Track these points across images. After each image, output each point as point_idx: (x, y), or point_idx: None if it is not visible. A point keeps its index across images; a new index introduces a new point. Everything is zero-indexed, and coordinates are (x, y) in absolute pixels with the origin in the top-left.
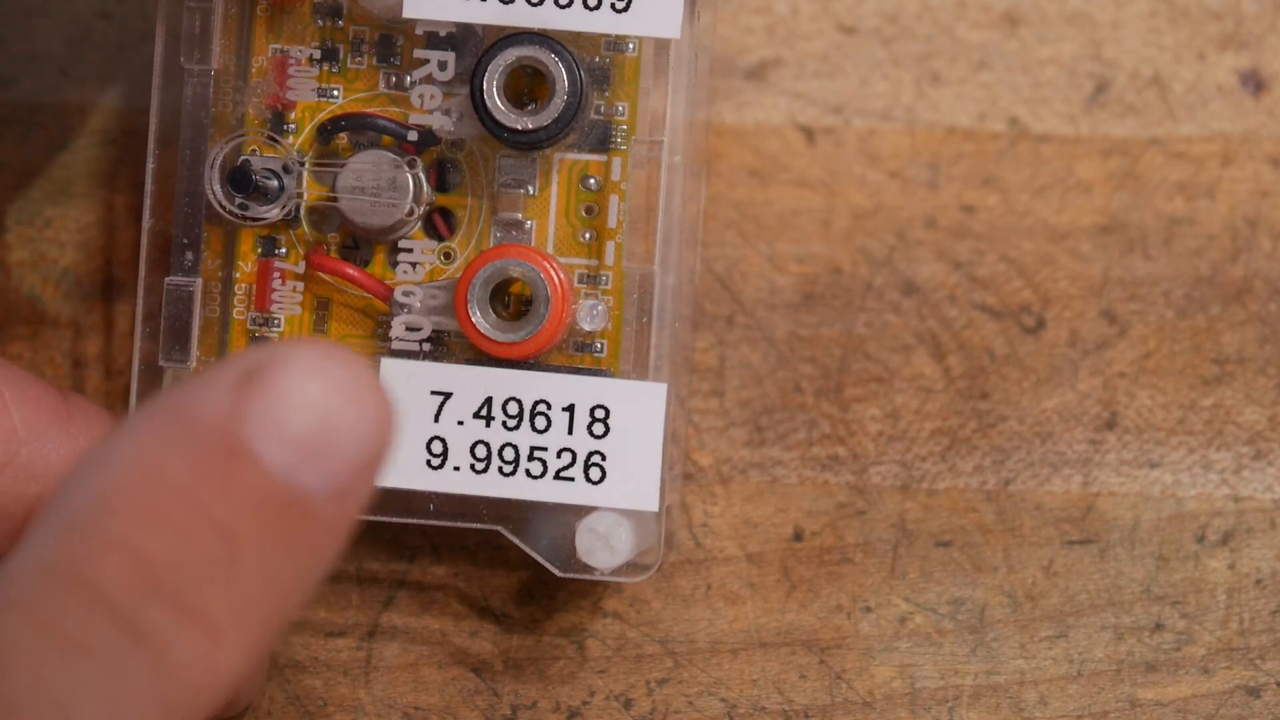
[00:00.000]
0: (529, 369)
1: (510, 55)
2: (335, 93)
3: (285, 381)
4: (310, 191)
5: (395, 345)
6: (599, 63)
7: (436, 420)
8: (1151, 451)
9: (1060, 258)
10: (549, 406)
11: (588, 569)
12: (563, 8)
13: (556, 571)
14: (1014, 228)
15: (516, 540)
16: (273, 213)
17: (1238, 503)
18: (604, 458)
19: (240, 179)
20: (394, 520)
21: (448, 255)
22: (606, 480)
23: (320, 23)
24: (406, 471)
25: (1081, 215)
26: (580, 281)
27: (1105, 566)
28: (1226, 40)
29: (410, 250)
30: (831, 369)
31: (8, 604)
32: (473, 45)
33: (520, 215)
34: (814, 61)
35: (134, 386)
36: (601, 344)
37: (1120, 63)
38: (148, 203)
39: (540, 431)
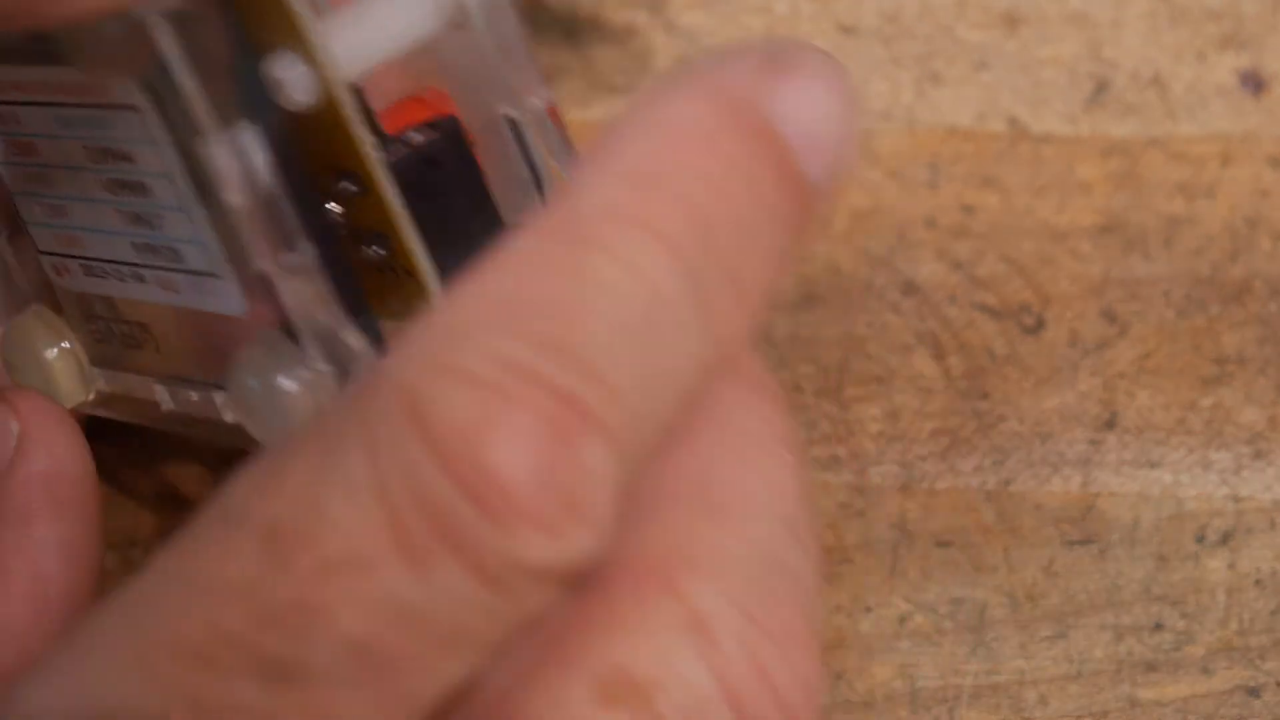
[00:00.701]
0: None
1: None
2: None
3: (812, 80)
4: None
5: None
6: None
7: None
8: (1151, 451)
9: (1060, 258)
10: None
11: None
12: None
13: None
14: (1014, 228)
15: None
16: None
17: (1238, 503)
18: None
19: None
20: None
21: None
22: None
23: None
24: None
25: (1081, 215)
26: None
27: (1105, 566)
28: (1226, 40)
29: None
30: (831, 369)
31: (592, 236)
32: None
33: None
34: None
35: None
36: None
37: (1120, 63)
38: None
39: None
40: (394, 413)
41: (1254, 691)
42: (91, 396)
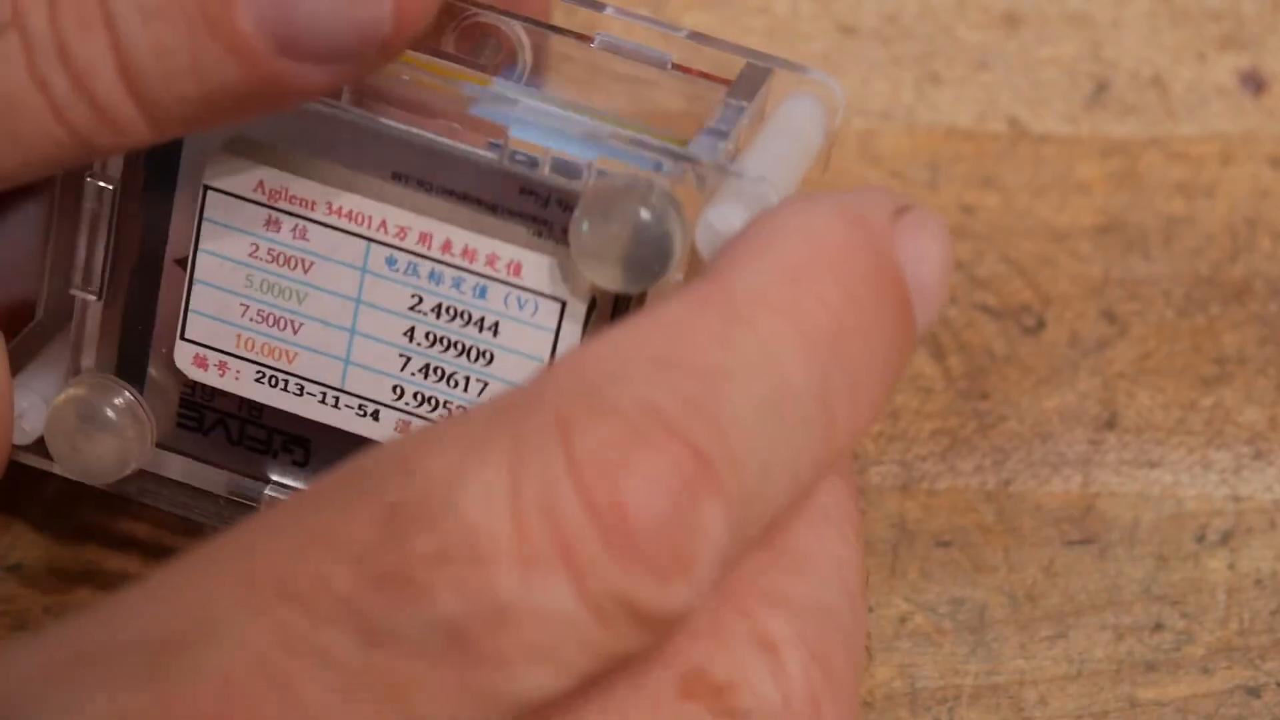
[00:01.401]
0: None
1: None
2: None
3: (926, 234)
4: None
5: None
6: None
7: None
8: (1151, 451)
9: (1060, 258)
10: None
11: None
12: None
13: None
14: (1014, 228)
15: None
16: None
17: (1238, 503)
18: None
19: None
20: None
21: None
22: None
23: None
24: None
25: (1081, 215)
26: None
27: (1105, 566)
28: (1226, 40)
29: None
30: None
31: (739, 314)
32: None
33: None
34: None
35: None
36: None
37: (1120, 63)
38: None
39: None
40: (545, 432)
41: (1254, 691)
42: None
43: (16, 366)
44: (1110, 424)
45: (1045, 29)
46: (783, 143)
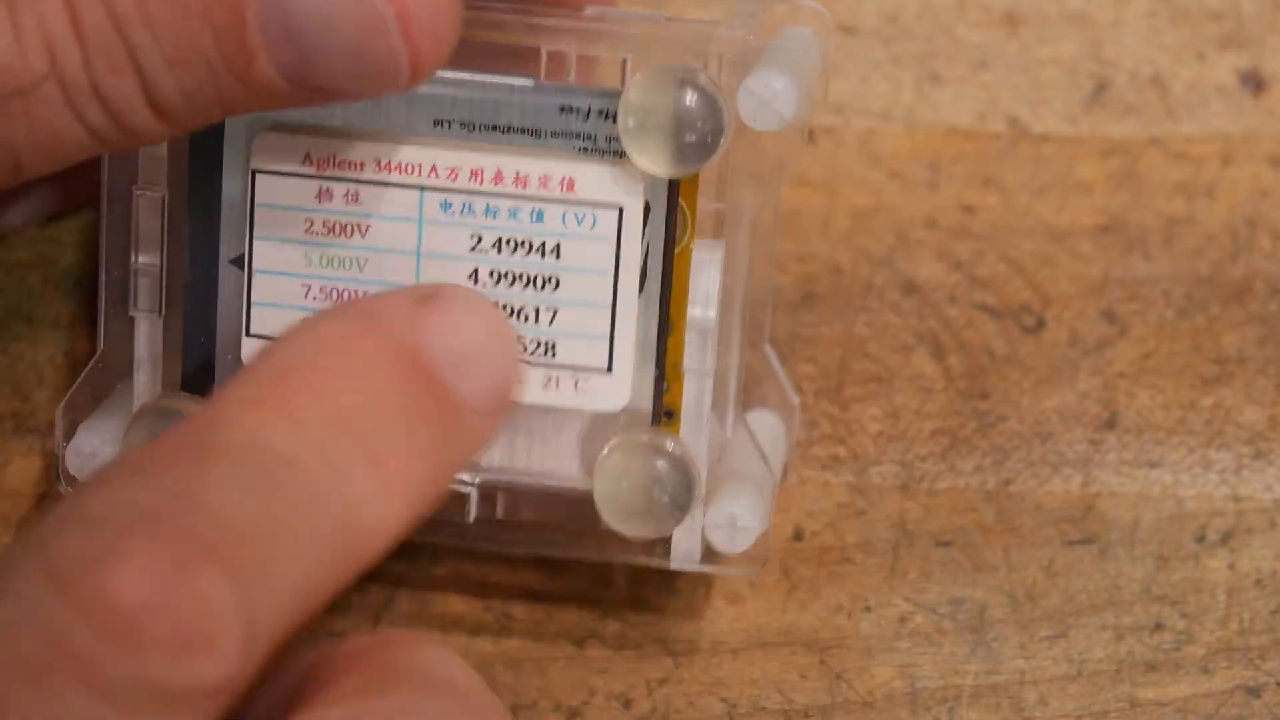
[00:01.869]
0: None
1: None
2: None
3: (455, 311)
4: None
5: None
6: None
7: None
8: (1151, 451)
9: (1060, 258)
10: None
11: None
12: None
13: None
14: (1014, 228)
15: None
16: None
17: (1238, 503)
18: None
19: None
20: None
21: None
22: None
23: None
24: None
25: (1081, 215)
26: None
27: (1105, 566)
28: (1226, 40)
29: None
30: (831, 369)
31: (227, 418)
32: None
33: None
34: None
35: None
36: None
37: (1120, 63)
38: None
39: None
40: (21, 557)
41: (1254, 691)
42: None
43: (85, 407)
44: (1110, 424)
45: (1045, 29)
46: (789, 55)
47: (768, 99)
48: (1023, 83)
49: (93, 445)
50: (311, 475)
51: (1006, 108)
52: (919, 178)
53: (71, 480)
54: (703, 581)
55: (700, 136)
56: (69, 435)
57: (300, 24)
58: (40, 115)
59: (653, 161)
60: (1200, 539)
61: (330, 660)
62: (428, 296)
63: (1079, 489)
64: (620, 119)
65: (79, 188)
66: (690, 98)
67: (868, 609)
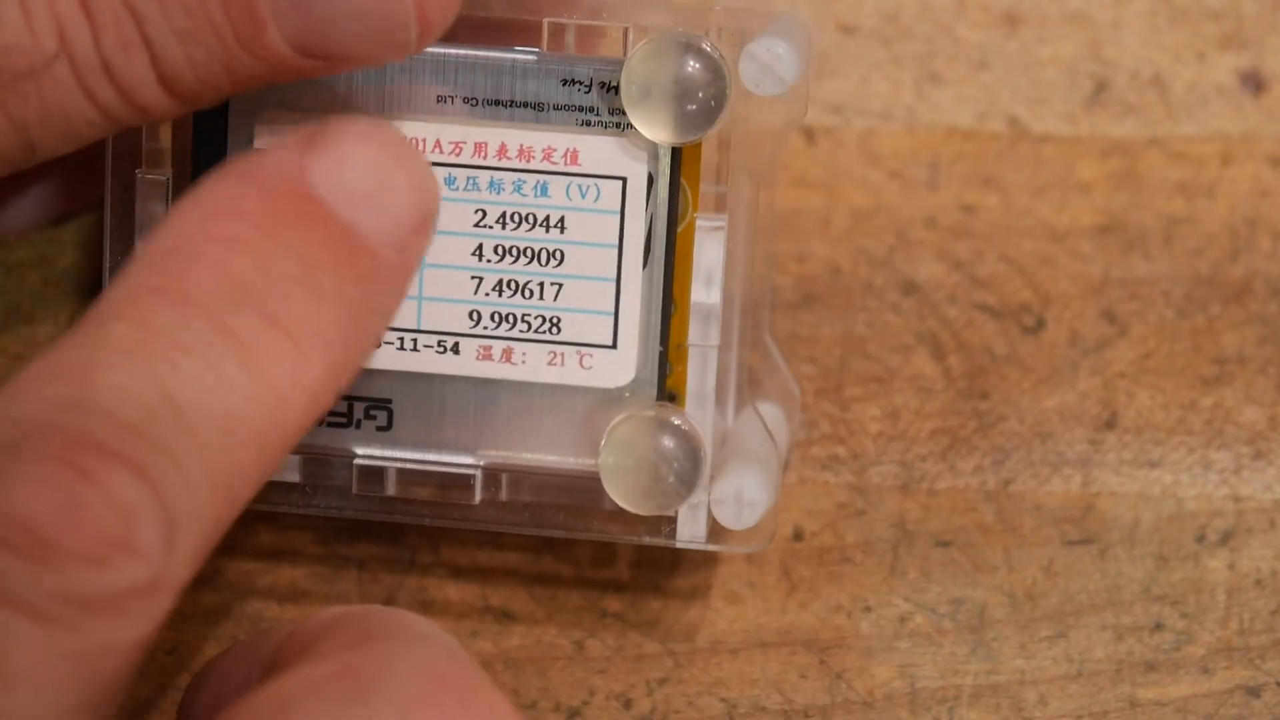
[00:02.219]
0: None
1: None
2: None
3: (344, 144)
4: None
5: None
6: None
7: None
8: (1151, 451)
9: (1060, 258)
10: None
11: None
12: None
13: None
14: (1014, 228)
15: None
16: None
17: (1238, 503)
18: None
19: None
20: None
21: None
22: None
23: None
24: None
25: (1081, 215)
26: None
27: (1105, 566)
28: (1226, 40)
29: None
30: (831, 369)
31: (113, 313)
32: None
33: None
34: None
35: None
36: None
37: (1120, 63)
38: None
39: None
40: None
41: (1254, 691)
42: None
43: None
44: (1110, 424)
45: (1045, 29)
46: (788, 25)
47: (769, 63)
48: (1023, 83)
49: None
50: (211, 353)
51: (1006, 108)
52: (919, 178)
53: None
54: (703, 581)
55: (704, 101)
56: None
57: None
58: (52, 95)
59: (657, 129)
60: (1200, 539)
61: (308, 629)
62: (314, 134)
63: (1079, 489)
64: (623, 87)
65: (78, 189)
66: (693, 63)
67: (868, 609)
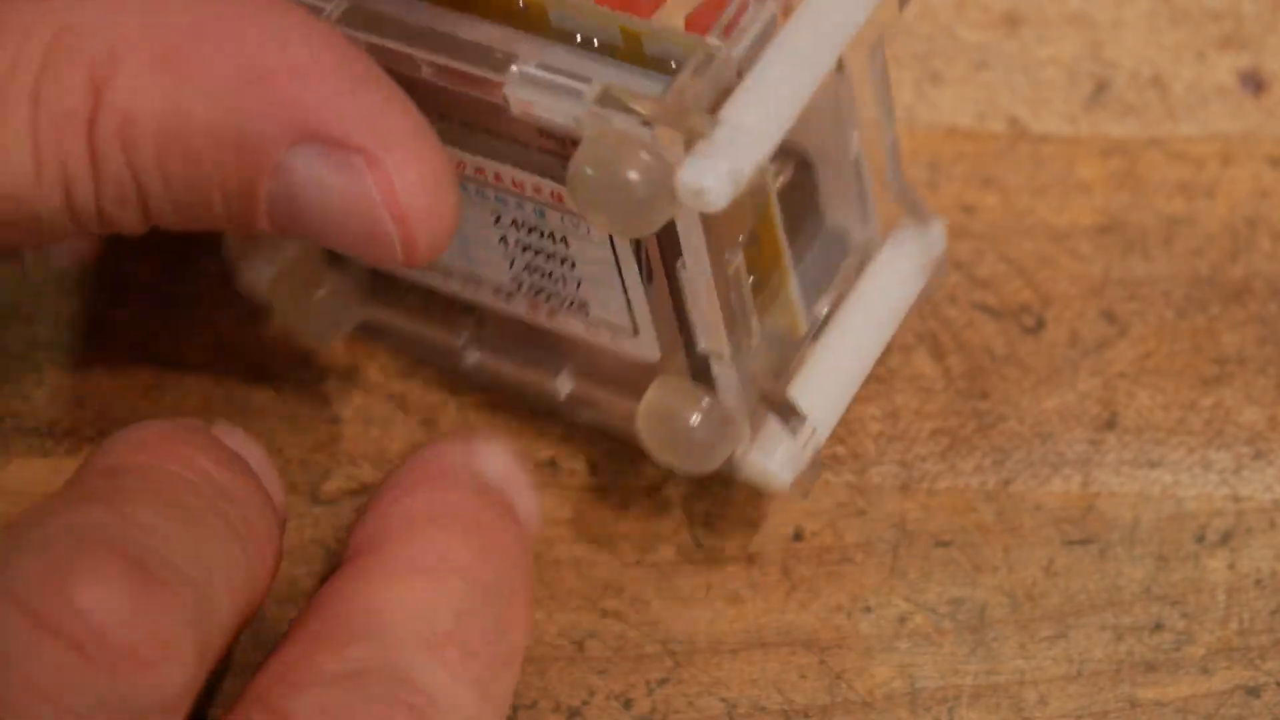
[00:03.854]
0: None
1: None
2: None
3: (490, 447)
4: None
5: None
6: None
7: None
8: (1151, 451)
9: (1060, 258)
10: None
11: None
12: None
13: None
14: (1014, 228)
15: None
16: None
17: (1238, 503)
18: None
19: None
20: None
21: None
22: None
23: None
24: None
25: (1081, 215)
26: None
27: (1105, 566)
28: (1226, 40)
29: None
30: None
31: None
32: None
33: None
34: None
35: None
36: None
37: (1120, 63)
38: None
39: None
40: None
41: (1254, 691)
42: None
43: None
44: (1110, 424)
45: (1045, 29)
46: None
47: (700, 191)
48: (1023, 83)
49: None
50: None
51: (1006, 108)
52: (919, 178)
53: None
54: (703, 581)
55: (640, 217)
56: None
57: (304, 204)
58: (44, 231)
59: (597, 224)
60: (1200, 539)
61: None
62: (470, 441)
63: (1079, 489)
64: (568, 190)
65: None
66: (630, 180)
67: (867, 609)
